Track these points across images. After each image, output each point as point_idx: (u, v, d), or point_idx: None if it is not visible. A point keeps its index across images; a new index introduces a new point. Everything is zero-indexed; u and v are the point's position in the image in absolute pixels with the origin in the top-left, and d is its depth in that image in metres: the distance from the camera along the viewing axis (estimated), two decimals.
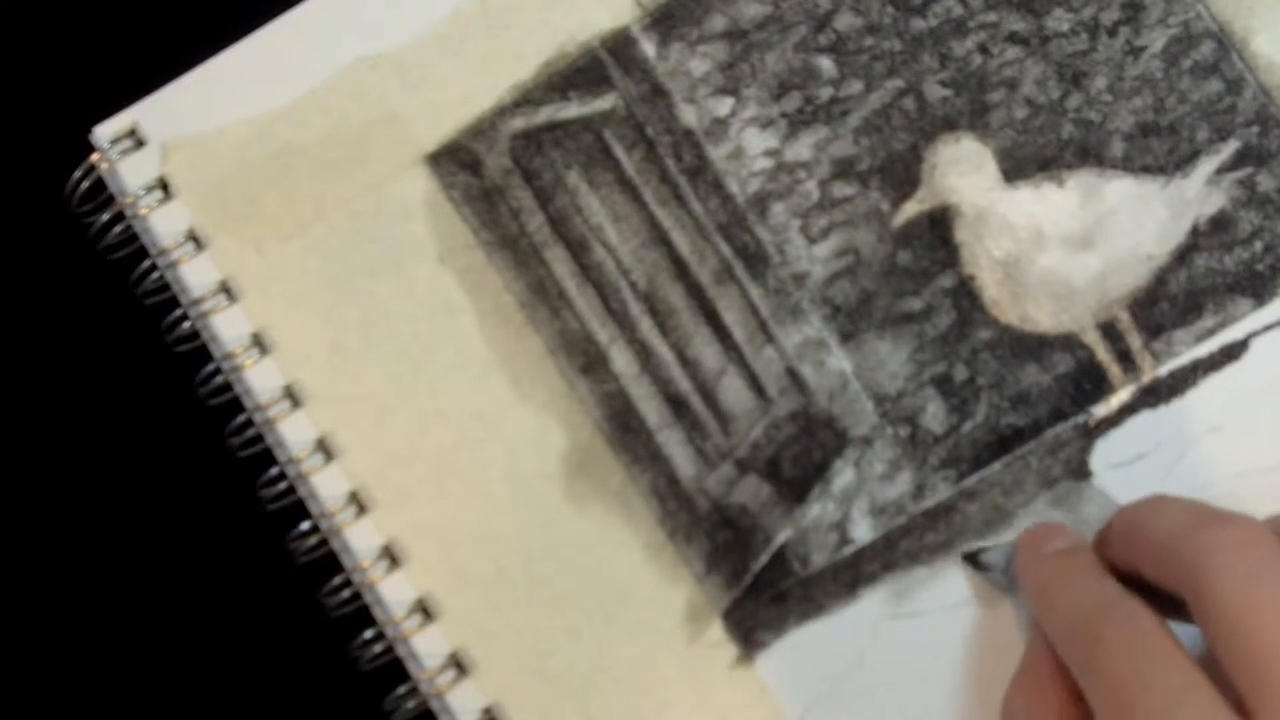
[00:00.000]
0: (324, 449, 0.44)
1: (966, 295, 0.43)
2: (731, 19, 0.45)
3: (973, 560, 0.42)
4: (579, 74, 0.45)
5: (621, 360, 0.44)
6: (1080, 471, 0.42)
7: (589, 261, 0.44)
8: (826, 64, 0.44)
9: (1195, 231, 0.43)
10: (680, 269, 0.44)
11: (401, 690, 0.43)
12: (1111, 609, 0.35)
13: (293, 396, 0.44)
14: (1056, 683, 0.37)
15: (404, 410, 0.44)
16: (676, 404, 0.44)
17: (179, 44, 0.46)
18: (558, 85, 0.45)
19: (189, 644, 0.45)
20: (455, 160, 0.45)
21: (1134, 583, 0.37)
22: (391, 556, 0.43)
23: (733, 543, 0.43)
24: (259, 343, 0.44)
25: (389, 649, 0.43)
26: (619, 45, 0.45)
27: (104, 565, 0.46)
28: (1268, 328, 0.42)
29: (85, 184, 0.46)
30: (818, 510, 0.43)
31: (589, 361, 0.44)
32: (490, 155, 0.45)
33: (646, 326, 0.44)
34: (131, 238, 0.45)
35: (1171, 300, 0.43)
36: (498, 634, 0.43)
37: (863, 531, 0.43)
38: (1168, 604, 0.35)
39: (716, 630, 0.43)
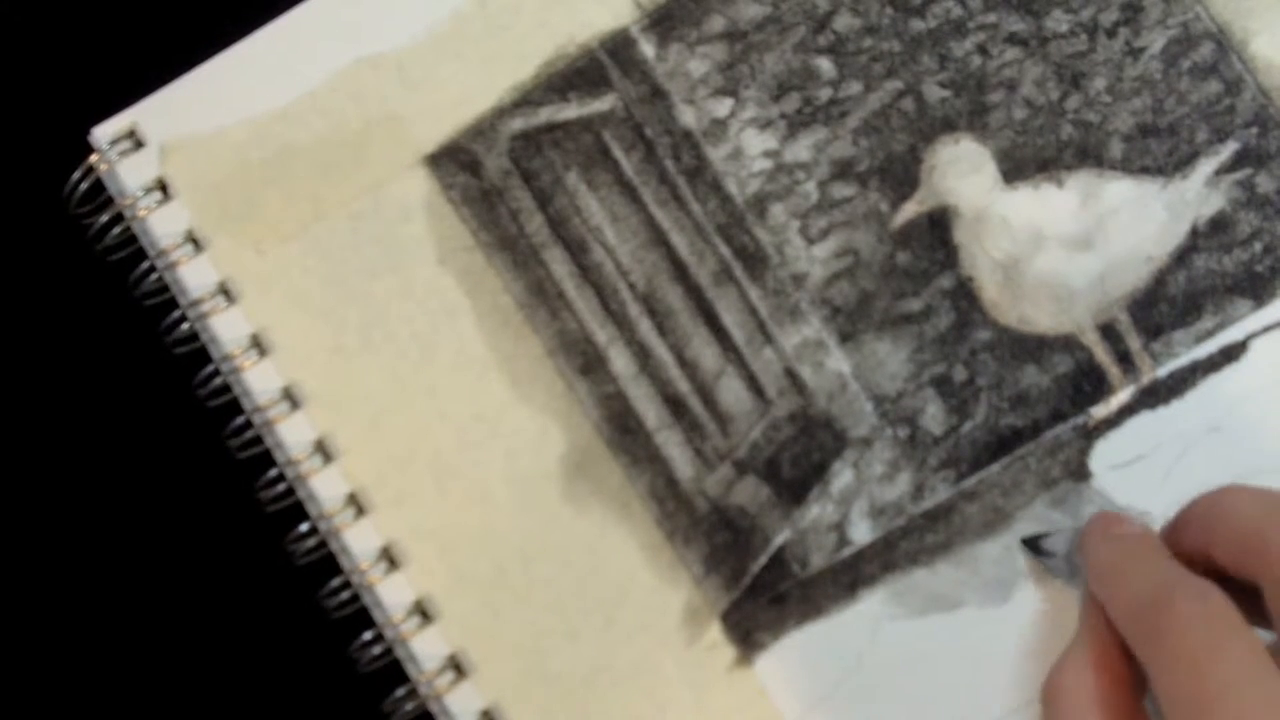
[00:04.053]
0: (323, 450, 0.44)
1: (966, 296, 0.43)
2: (730, 20, 0.45)
3: (1033, 546, 0.42)
4: (578, 75, 0.45)
5: (620, 361, 0.44)
6: (1080, 472, 0.42)
7: (588, 262, 0.44)
8: (825, 65, 0.44)
9: (1194, 232, 0.43)
10: (679, 270, 0.44)
11: (401, 692, 0.43)
12: (1182, 583, 0.35)
13: (292, 398, 0.44)
14: (1106, 664, 0.37)
15: (403, 411, 0.44)
16: (675, 405, 0.44)
17: (179, 44, 0.46)
18: (557, 86, 0.45)
19: (189, 645, 0.45)
20: (454, 161, 0.45)
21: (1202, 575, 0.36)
22: (390, 558, 0.43)
23: (731, 544, 0.43)
24: (258, 344, 0.44)
25: (388, 650, 0.43)
26: (618, 46, 0.45)
27: (104, 566, 0.46)
28: (1267, 329, 0.42)
29: (84, 185, 0.46)
30: (816, 511, 0.43)
31: (588, 362, 0.44)
32: (489, 156, 0.45)
33: (645, 327, 0.44)
34: (130, 239, 0.45)
35: (1171, 301, 0.43)
36: (497, 635, 0.43)
37: (862, 533, 0.43)
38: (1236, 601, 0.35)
39: (715, 632, 0.43)
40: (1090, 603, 0.38)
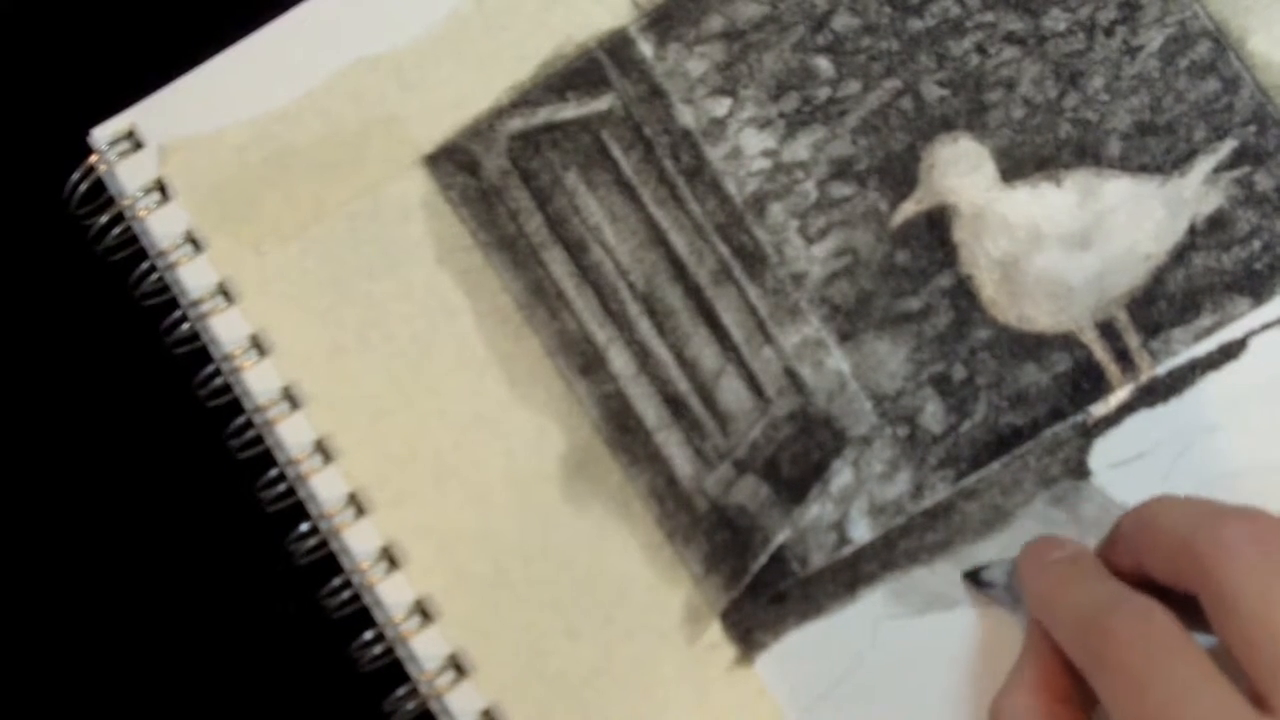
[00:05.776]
0: (323, 450, 0.44)
1: (965, 295, 0.43)
2: (729, 19, 0.45)
3: (974, 579, 0.42)
4: (577, 75, 0.45)
5: (620, 361, 0.44)
6: (1079, 471, 0.42)
7: (587, 262, 0.44)
8: (824, 64, 0.44)
9: (1193, 230, 0.43)
10: (678, 269, 0.44)
11: (401, 691, 0.43)
12: (1121, 602, 0.35)
13: (291, 398, 0.44)
14: (1047, 685, 0.37)
15: (403, 411, 0.44)
16: (675, 404, 0.44)
17: (178, 45, 0.46)
18: (555, 86, 0.45)
19: (189, 645, 0.45)
20: (453, 161, 0.45)
21: (1141, 589, 0.36)
22: (391, 558, 0.43)
23: (731, 543, 0.43)
24: (258, 344, 0.44)
25: (388, 650, 0.43)
26: (616, 46, 0.45)
27: (104, 566, 0.46)
28: (1266, 326, 0.42)
29: (84, 186, 0.46)
30: (816, 510, 0.43)
31: (587, 362, 0.44)
32: (488, 156, 0.45)
33: (645, 327, 0.44)
34: (130, 239, 0.45)
35: (1169, 299, 0.43)
36: (497, 635, 0.43)
37: (861, 531, 0.43)
38: (1175, 611, 0.35)
39: (715, 631, 0.43)
40: (1033, 626, 0.39)
